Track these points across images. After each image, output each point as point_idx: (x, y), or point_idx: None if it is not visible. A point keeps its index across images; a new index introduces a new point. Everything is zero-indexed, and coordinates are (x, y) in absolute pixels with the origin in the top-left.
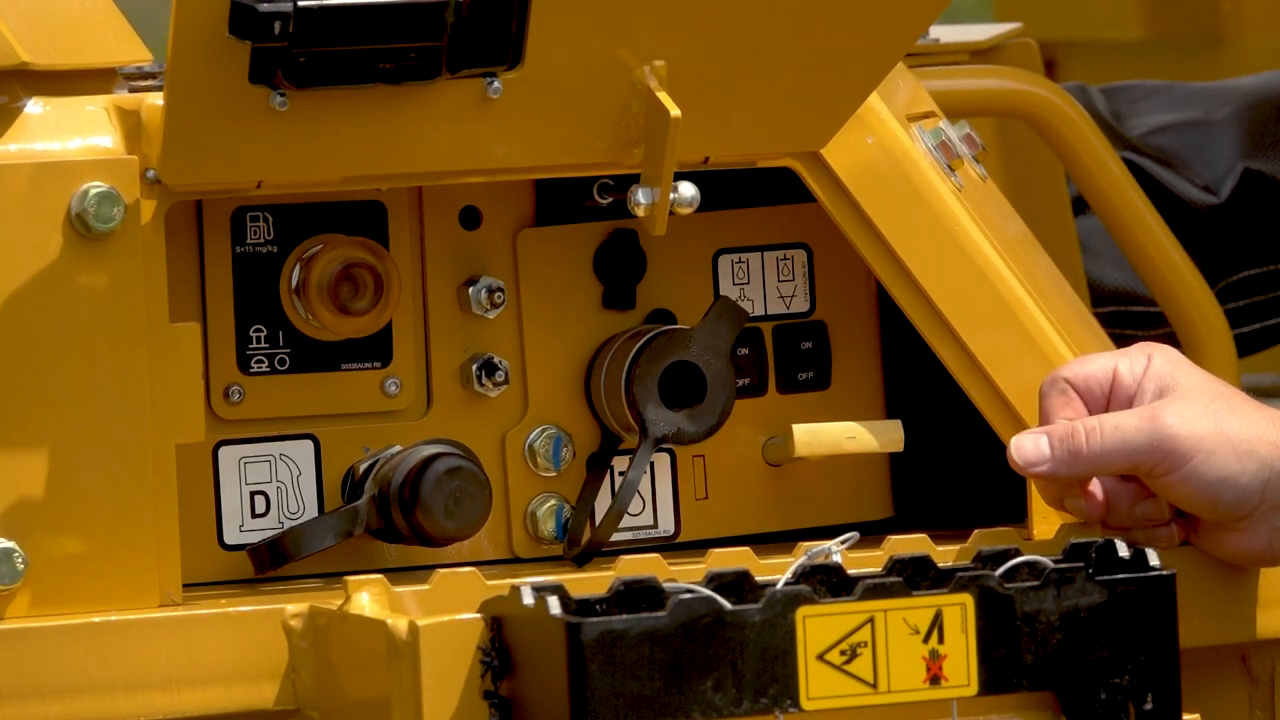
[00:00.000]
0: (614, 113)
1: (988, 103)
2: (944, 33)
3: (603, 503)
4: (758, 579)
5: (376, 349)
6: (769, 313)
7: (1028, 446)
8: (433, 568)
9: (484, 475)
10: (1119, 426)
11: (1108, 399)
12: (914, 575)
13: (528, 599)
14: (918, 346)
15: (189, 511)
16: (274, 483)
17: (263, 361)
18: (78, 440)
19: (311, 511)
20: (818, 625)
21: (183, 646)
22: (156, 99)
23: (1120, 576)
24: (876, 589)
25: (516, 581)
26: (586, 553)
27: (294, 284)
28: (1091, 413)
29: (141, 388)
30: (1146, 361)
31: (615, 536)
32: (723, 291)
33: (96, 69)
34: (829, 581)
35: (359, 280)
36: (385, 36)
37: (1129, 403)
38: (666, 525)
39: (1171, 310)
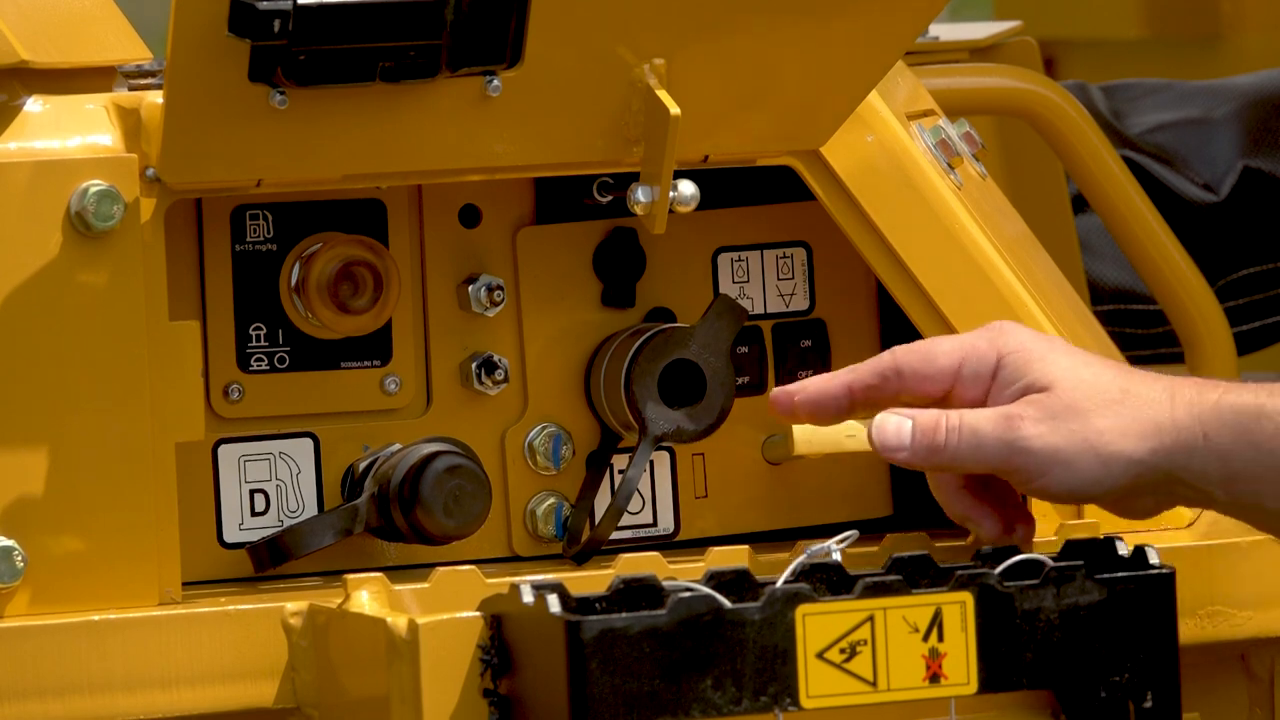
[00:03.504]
0: (614, 111)
1: (987, 101)
2: (943, 31)
3: (602, 501)
4: (757, 577)
5: (376, 347)
6: (768, 311)
7: (889, 430)
8: (432, 566)
9: (483, 473)
10: (976, 430)
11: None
12: (913, 574)
13: (527, 597)
14: None
15: (188, 510)
16: (273, 481)
17: (262, 360)
18: (78, 439)
19: (311, 510)
20: (817, 623)
21: (182, 645)
22: (156, 97)
23: (1119, 575)
24: (876, 587)
25: (516, 580)
26: (586, 551)
27: (294, 282)
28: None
29: (141, 386)
30: (996, 356)
31: (615, 535)
32: (722, 290)
33: (96, 67)
34: (828, 580)
35: (358, 278)
36: (385, 35)
37: (987, 379)
38: (666, 524)
39: (1171, 309)
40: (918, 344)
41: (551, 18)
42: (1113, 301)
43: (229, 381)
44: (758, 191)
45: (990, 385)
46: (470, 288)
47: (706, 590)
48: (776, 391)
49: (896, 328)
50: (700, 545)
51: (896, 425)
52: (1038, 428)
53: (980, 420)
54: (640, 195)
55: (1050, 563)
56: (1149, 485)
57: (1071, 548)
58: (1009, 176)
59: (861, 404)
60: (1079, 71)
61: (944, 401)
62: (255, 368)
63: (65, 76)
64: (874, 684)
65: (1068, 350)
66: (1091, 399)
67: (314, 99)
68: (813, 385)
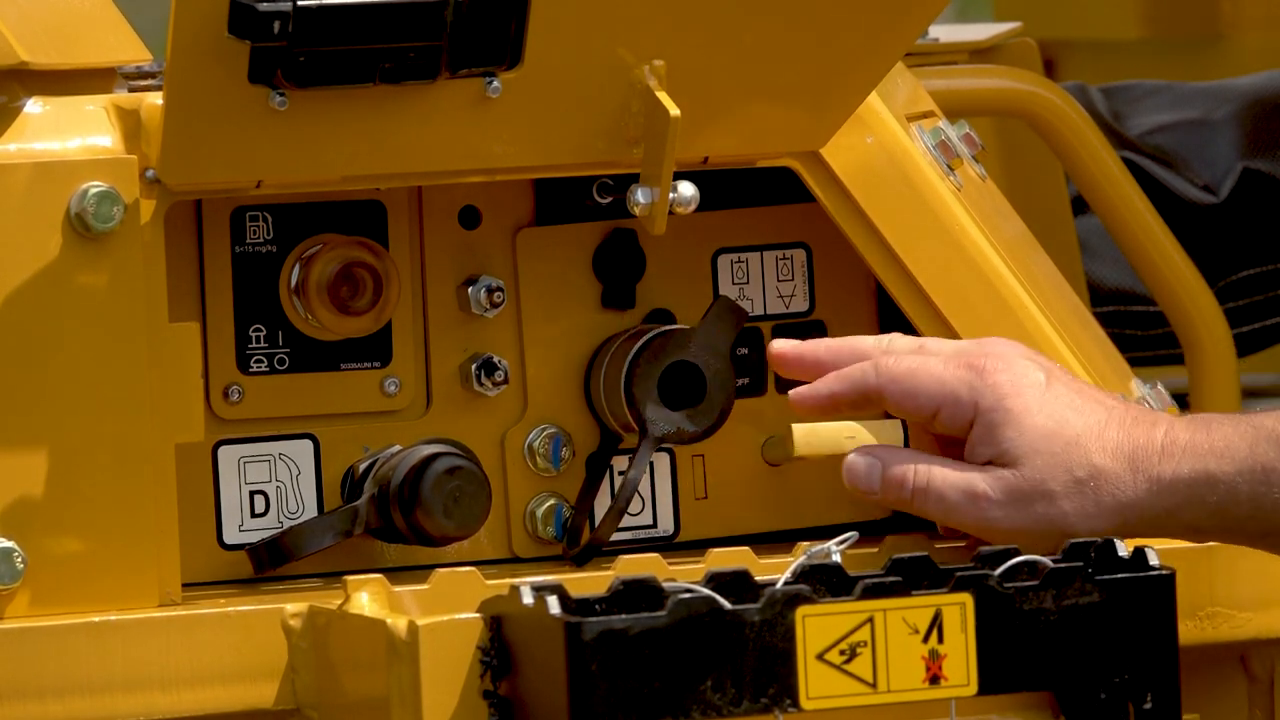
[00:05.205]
0: (613, 112)
1: (987, 102)
2: (943, 32)
3: (602, 502)
4: (757, 579)
5: (376, 349)
6: (768, 312)
7: (860, 473)
8: (432, 567)
9: (483, 475)
10: (943, 498)
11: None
12: (913, 575)
13: (527, 598)
14: None
15: (188, 511)
16: (273, 482)
17: (262, 361)
18: (78, 440)
19: (311, 511)
20: (817, 625)
21: (182, 646)
22: (156, 99)
23: (1119, 576)
24: (876, 589)
25: (516, 581)
26: (586, 552)
27: (293, 284)
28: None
29: (141, 387)
30: (974, 410)
31: (615, 536)
32: (722, 291)
33: (96, 69)
34: (828, 581)
35: (358, 280)
36: (385, 36)
37: (965, 427)
38: (666, 525)
39: (1171, 310)
40: (901, 371)
41: (551, 19)
42: (1112, 303)
43: (229, 383)
44: (757, 193)
45: (968, 431)
46: (470, 289)
47: (706, 591)
48: (776, 349)
49: (896, 329)
50: (700, 546)
51: (866, 469)
52: (1003, 510)
53: (947, 487)
54: (640, 196)
55: (1050, 564)
56: (1130, 535)
57: (1072, 549)
58: (1009, 178)
59: (847, 413)
60: (1079, 73)
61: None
62: (255, 369)
63: (65, 78)
64: (874, 685)
65: (1045, 403)
66: (1058, 479)
67: (314, 100)
68: (803, 389)
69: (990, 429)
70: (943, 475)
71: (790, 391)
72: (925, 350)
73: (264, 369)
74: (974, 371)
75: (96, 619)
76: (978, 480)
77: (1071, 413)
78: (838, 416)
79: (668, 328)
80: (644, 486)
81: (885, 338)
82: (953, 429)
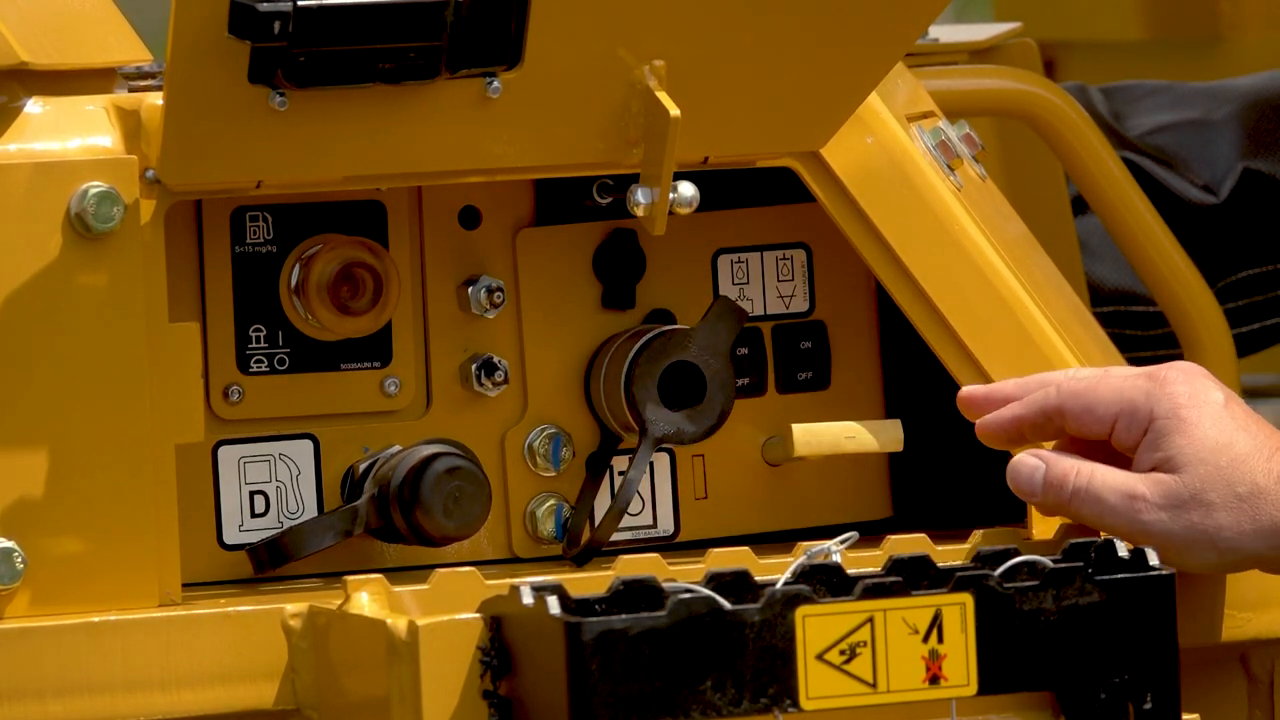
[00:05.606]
0: (613, 113)
1: (987, 103)
2: (943, 33)
3: (602, 503)
4: (757, 579)
5: (376, 349)
6: (768, 312)
7: (1023, 473)
8: (432, 567)
9: (483, 475)
10: (1100, 500)
11: (1113, 423)
12: (913, 575)
13: (527, 599)
14: (917, 346)
15: (188, 511)
16: (273, 482)
17: (262, 361)
18: (78, 440)
19: (311, 511)
20: (817, 625)
21: (182, 646)
22: (156, 99)
23: (1119, 576)
24: (876, 589)
25: (516, 581)
26: (586, 552)
27: (293, 284)
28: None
29: (141, 387)
30: (1149, 418)
31: (615, 536)
32: (722, 291)
33: (96, 69)
34: (828, 581)
35: (358, 280)
36: (385, 36)
37: (1140, 435)
38: (666, 525)
39: (1171, 310)
40: (1081, 387)
41: (551, 19)
42: (1112, 303)
43: (229, 383)
44: (758, 193)
45: (1141, 439)
46: (470, 289)
47: (706, 591)
48: (966, 392)
49: (896, 329)
50: (700, 546)
51: (1030, 470)
52: (1157, 514)
53: (1105, 489)
54: (640, 197)
55: (1050, 564)
56: (1269, 565)
57: (1072, 549)
58: (1009, 178)
59: (1030, 436)
60: (1079, 73)
61: (1106, 439)
62: (255, 369)
63: (65, 78)
64: (874, 685)
65: (1219, 419)
66: (1218, 490)
67: (314, 100)
68: (989, 418)
69: (1160, 435)
70: (1103, 478)
71: (977, 422)
72: (1108, 373)
73: (264, 369)
74: (1153, 381)
75: (96, 619)
76: (1137, 483)
77: (1242, 434)
78: (1023, 443)
79: (668, 328)
80: (644, 486)
81: (1071, 369)
82: (1129, 442)
